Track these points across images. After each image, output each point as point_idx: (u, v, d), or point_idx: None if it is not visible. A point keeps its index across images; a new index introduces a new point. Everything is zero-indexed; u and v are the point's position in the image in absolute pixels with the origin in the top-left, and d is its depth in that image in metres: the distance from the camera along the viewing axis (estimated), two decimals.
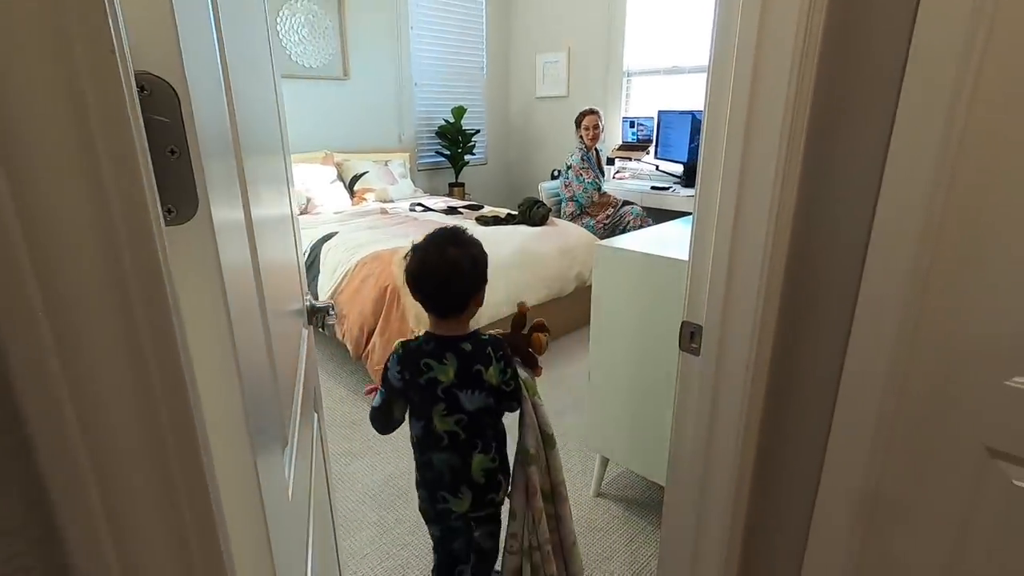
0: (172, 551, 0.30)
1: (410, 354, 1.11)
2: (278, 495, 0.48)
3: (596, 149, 3.72)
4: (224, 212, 0.37)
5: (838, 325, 0.87)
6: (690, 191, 3.51)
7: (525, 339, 1.22)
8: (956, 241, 0.76)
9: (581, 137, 3.62)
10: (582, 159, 3.58)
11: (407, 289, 1.26)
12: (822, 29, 0.76)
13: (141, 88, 0.30)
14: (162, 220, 0.28)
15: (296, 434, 0.66)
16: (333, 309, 1.06)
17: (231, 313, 0.35)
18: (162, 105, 0.31)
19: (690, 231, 0.89)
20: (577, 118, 3.64)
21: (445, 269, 1.05)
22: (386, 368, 1.14)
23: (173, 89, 0.31)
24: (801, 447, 0.95)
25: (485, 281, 1.11)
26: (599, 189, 3.63)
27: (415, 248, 1.10)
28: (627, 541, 1.67)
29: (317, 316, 1.05)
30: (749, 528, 1.02)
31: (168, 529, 0.29)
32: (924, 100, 0.72)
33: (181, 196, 0.32)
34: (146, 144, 0.27)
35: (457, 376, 1.08)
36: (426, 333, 1.13)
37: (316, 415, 1.03)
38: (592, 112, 3.59)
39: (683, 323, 0.92)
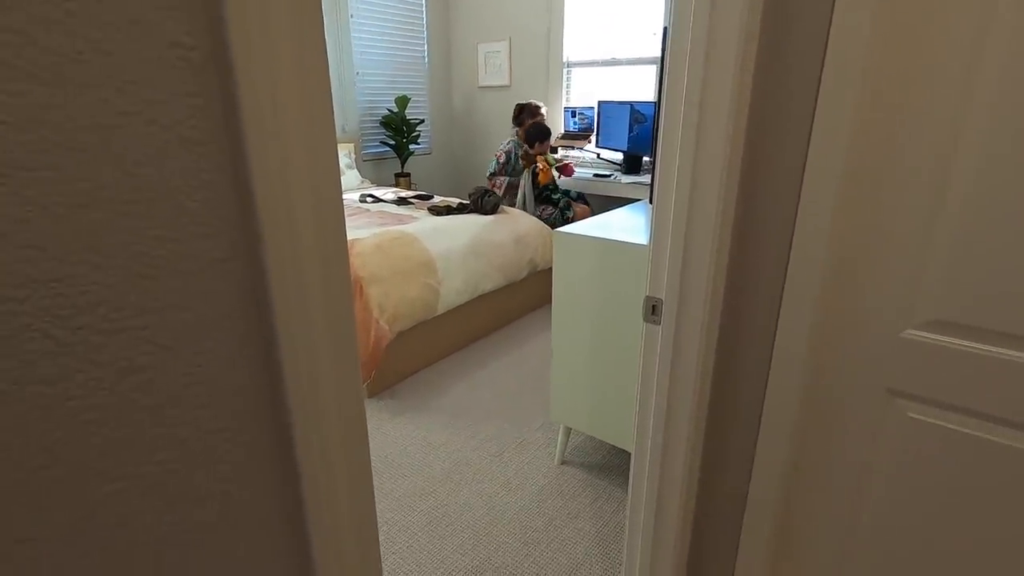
0: None
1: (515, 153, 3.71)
2: None
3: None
4: None
5: (772, 297, 1.04)
6: (631, 178, 3.71)
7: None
8: (858, 226, 0.94)
9: (517, 132, 3.81)
10: (514, 153, 3.76)
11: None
12: (756, 49, 0.92)
13: None
14: None
15: None
16: None
17: None
18: None
19: (648, 219, 1.04)
20: (524, 116, 3.84)
21: (537, 127, 3.65)
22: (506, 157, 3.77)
23: None
24: (744, 392, 1.13)
25: (548, 138, 3.65)
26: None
27: (534, 123, 3.71)
28: (592, 500, 1.84)
29: None
30: (704, 467, 1.20)
31: None
32: (834, 108, 0.89)
33: None
34: None
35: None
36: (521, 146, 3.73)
37: None
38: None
39: (646, 298, 1.07)
